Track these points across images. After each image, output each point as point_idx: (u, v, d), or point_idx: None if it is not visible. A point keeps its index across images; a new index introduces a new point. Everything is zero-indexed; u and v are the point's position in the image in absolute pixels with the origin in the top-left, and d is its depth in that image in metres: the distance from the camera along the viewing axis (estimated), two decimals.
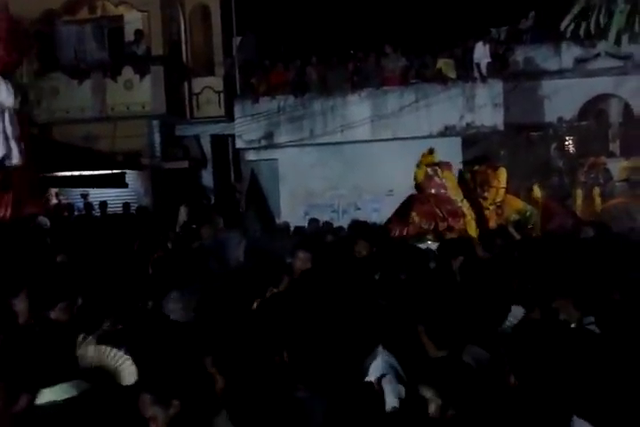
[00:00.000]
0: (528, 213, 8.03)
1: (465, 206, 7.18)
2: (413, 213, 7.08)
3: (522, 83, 14.88)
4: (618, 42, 5.97)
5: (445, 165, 7.53)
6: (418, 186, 7.53)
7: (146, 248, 7.74)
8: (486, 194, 8.02)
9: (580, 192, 10.44)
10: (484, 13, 14.92)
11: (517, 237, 7.14)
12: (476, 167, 8.48)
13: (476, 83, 14.09)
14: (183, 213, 13.47)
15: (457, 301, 3.28)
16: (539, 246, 5.82)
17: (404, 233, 7.14)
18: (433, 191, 7.28)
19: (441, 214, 7.06)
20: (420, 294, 3.46)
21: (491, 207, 7.93)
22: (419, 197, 7.38)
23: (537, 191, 9.38)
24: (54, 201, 15.19)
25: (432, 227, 7.06)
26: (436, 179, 7.33)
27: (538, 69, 15.27)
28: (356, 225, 8.69)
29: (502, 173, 8.14)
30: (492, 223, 7.77)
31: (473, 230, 7.01)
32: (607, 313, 2.91)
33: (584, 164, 12.10)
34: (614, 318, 2.82)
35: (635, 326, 2.72)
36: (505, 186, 8.10)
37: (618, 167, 12.15)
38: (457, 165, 11.23)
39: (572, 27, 6.07)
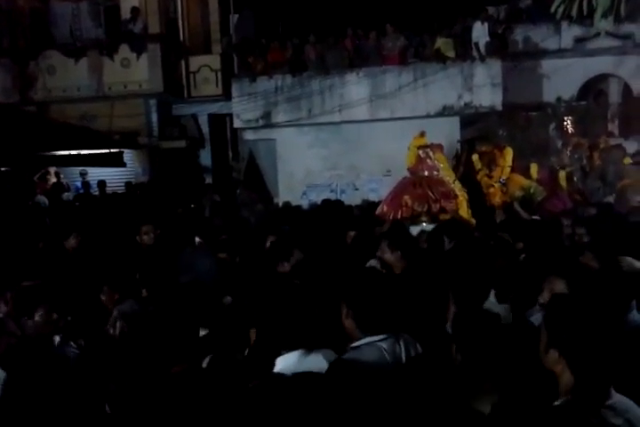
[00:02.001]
0: (532, 190, 8.06)
1: (457, 187, 7.21)
2: (406, 197, 7.12)
3: (521, 62, 14.78)
4: (604, 22, 5.95)
5: (437, 147, 7.55)
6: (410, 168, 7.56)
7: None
8: (492, 173, 8.15)
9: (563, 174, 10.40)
10: None
11: (524, 214, 7.20)
12: (484, 148, 8.66)
13: (475, 62, 13.98)
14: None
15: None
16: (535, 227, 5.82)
17: (398, 216, 7.19)
18: (426, 173, 7.30)
19: (433, 196, 7.09)
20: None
21: (496, 185, 8.03)
22: (411, 180, 7.41)
23: (534, 170, 9.35)
24: (53, 180, 15.24)
25: (425, 209, 7.10)
26: (428, 161, 7.35)
27: (537, 49, 15.15)
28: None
29: (508, 153, 8.31)
30: (498, 199, 7.86)
31: (465, 211, 7.05)
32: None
33: (568, 144, 12.08)
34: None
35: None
36: (511, 165, 8.21)
37: None
38: (455, 144, 11.24)
39: (561, 8, 6.06)
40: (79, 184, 15.05)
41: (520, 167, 9.88)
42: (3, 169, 13.58)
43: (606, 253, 3.82)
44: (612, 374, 1.99)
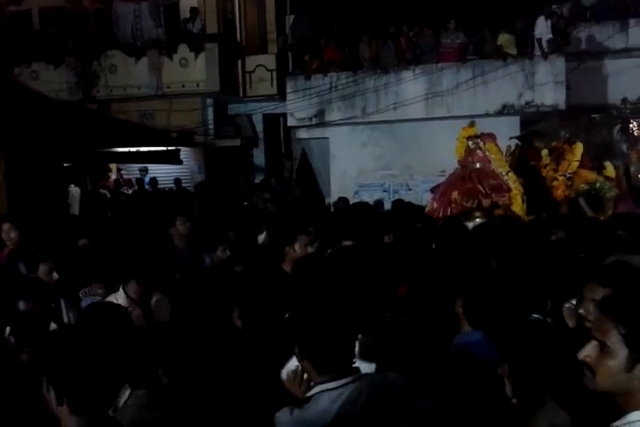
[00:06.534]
0: (598, 185, 7.60)
1: (511, 179, 6.85)
2: (454, 193, 6.81)
3: (584, 62, 14.23)
4: None
5: (488, 136, 7.20)
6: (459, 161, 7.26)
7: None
8: (559, 166, 7.87)
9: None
10: None
11: (589, 212, 6.84)
12: (554, 143, 8.40)
13: (537, 59, 13.53)
14: None
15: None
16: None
17: (448, 213, 6.88)
18: (477, 166, 6.99)
19: (484, 191, 6.75)
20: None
21: (560, 178, 7.69)
22: (459, 174, 7.11)
23: (610, 169, 8.76)
24: (114, 176, 15.62)
25: (475, 204, 6.79)
26: (479, 152, 7.02)
27: (602, 48, 14.60)
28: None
29: (578, 148, 8.00)
30: (560, 193, 7.50)
31: (519, 206, 6.70)
32: None
33: (637, 145, 11.50)
34: None
35: None
36: (579, 159, 7.88)
37: None
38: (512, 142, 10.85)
39: None
40: (147, 180, 15.20)
41: (585, 168, 9.43)
42: (66, 164, 13.99)
43: None
44: None
